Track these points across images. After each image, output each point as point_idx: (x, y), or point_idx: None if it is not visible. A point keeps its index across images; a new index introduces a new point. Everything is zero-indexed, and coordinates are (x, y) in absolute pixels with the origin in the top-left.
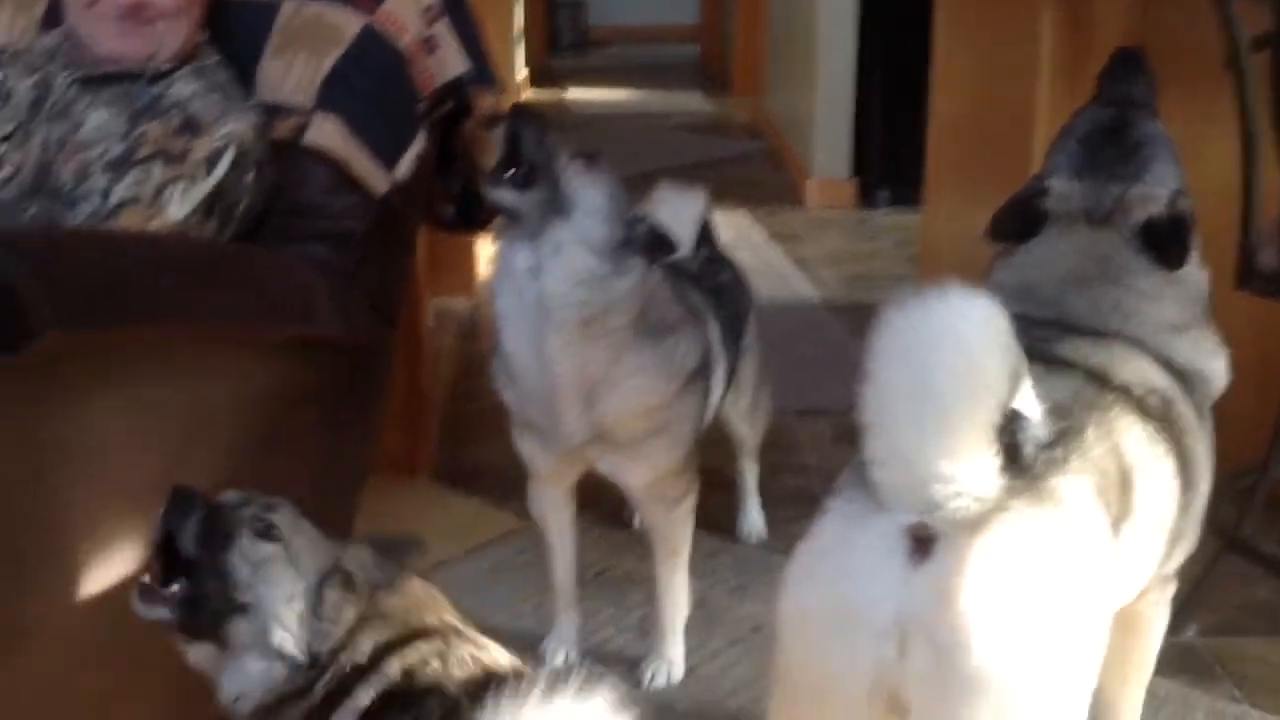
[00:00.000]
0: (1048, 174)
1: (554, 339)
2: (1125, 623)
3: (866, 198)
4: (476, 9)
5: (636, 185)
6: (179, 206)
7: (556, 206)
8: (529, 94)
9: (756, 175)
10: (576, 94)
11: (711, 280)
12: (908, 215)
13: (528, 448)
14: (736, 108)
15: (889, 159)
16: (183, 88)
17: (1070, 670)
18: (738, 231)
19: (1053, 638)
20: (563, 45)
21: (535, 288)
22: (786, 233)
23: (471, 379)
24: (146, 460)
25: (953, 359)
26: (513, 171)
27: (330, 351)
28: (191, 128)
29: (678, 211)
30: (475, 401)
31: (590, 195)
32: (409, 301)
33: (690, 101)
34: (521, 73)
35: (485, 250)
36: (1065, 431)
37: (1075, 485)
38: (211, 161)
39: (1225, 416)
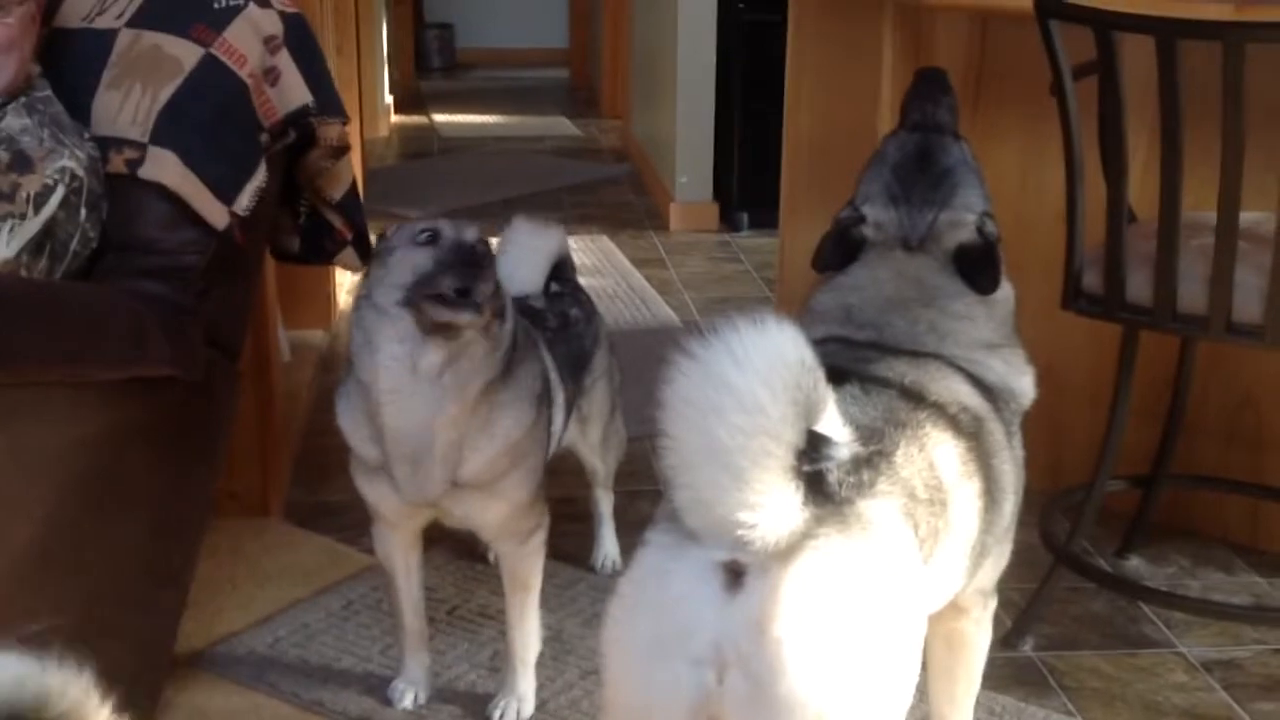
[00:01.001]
0: (862, 200)
1: (452, 411)
2: (950, 640)
3: (728, 221)
4: (342, 30)
5: (503, 211)
6: (6, 245)
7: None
8: (395, 119)
9: (622, 199)
10: (444, 118)
11: (556, 315)
12: (768, 238)
13: (374, 493)
14: (604, 132)
15: (748, 183)
16: (13, 123)
17: (884, 691)
18: (602, 256)
19: (864, 661)
20: (431, 68)
21: (444, 377)
22: (649, 257)
23: (328, 414)
24: None
25: (736, 420)
26: (486, 297)
27: (165, 389)
28: (21, 164)
29: (531, 247)
30: (331, 436)
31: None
32: (257, 335)
33: (559, 125)
34: (388, 96)
35: (343, 281)
36: (874, 454)
37: (882, 508)
38: (41, 199)
39: (1060, 433)
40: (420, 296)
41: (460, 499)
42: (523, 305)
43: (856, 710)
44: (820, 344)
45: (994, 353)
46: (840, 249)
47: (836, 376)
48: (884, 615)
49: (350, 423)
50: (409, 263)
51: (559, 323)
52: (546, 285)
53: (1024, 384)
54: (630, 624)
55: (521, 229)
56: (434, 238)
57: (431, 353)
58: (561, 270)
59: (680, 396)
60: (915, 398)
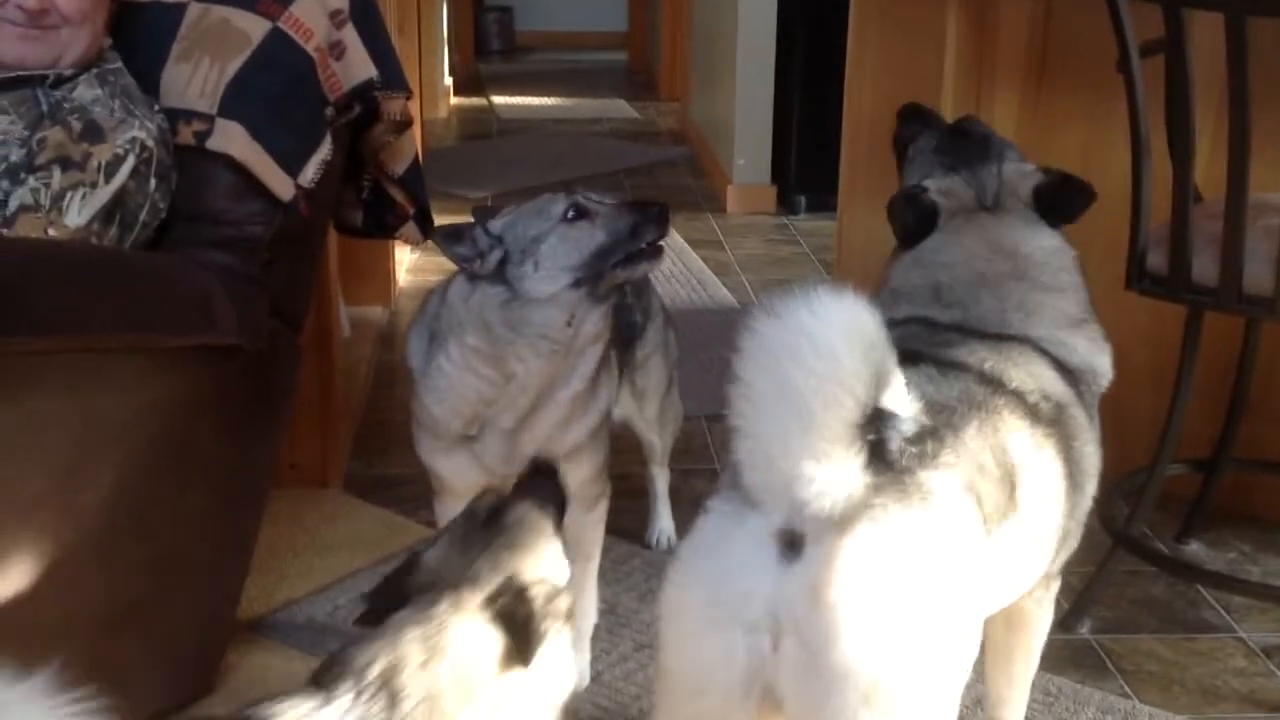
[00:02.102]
0: (916, 182)
1: (581, 384)
2: (1010, 619)
3: (785, 204)
4: (404, 12)
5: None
6: (78, 214)
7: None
8: (455, 100)
9: (680, 182)
10: (503, 100)
11: None
12: (826, 220)
13: (451, 466)
14: (663, 114)
15: (806, 165)
16: (85, 93)
17: (937, 664)
18: None
19: (918, 632)
20: (490, 50)
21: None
22: (707, 239)
23: (387, 389)
24: (35, 476)
25: (811, 363)
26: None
27: (229, 359)
28: (93, 134)
29: None
30: (391, 411)
31: None
32: (320, 309)
33: (617, 108)
34: (448, 77)
35: (402, 259)
36: (941, 427)
37: (944, 480)
38: (112, 168)
39: (1122, 415)
40: (608, 267)
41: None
42: None
43: (909, 682)
44: (902, 324)
45: (1079, 330)
46: (912, 211)
47: (912, 359)
48: (940, 587)
49: (446, 408)
50: (573, 243)
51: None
52: None
53: (1105, 363)
54: (688, 589)
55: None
56: (583, 210)
57: (598, 319)
58: None
59: (758, 343)
60: (994, 383)
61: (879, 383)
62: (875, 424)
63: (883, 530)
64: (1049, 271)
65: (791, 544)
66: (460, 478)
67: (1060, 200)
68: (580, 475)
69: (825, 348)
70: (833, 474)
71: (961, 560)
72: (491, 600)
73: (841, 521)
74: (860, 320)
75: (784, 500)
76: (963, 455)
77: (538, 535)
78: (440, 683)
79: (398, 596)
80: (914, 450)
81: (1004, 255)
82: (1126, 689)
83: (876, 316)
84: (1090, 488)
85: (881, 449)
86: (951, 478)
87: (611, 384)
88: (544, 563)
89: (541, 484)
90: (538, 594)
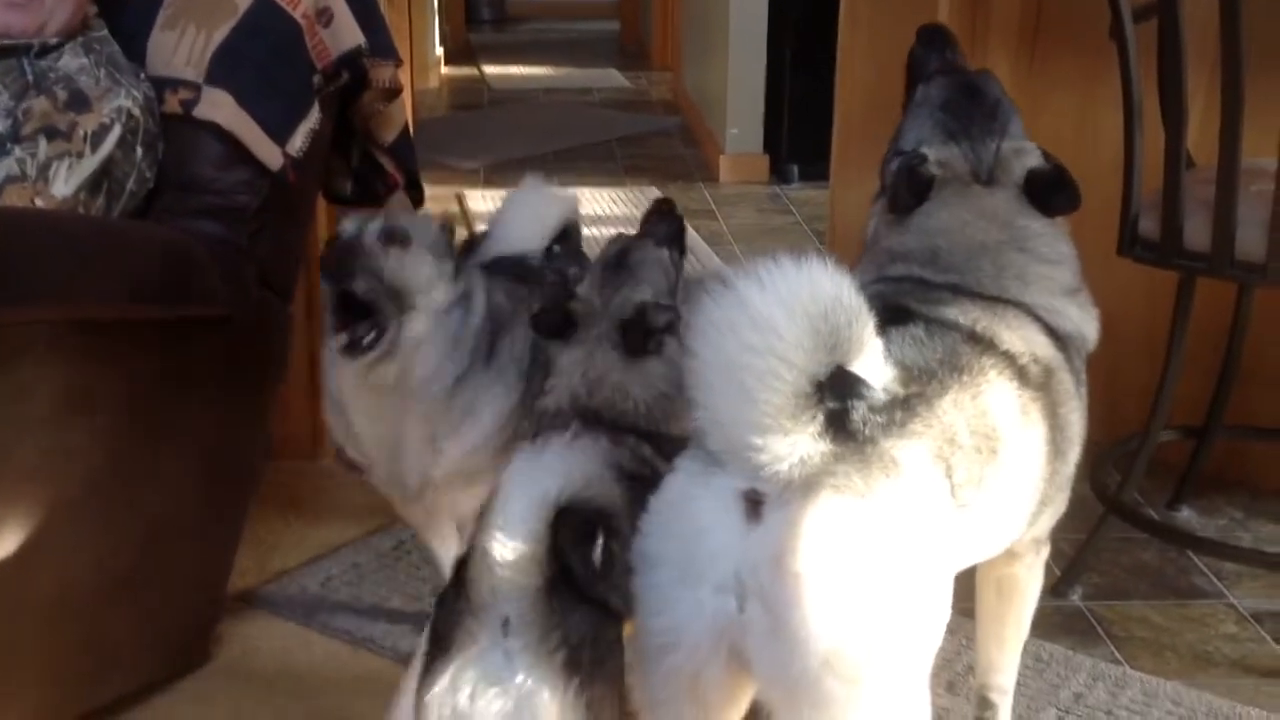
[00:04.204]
0: (913, 144)
1: (417, 413)
2: (1001, 586)
3: (778, 173)
4: None
5: (553, 163)
6: (65, 183)
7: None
8: (445, 71)
9: (673, 151)
10: (495, 70)
11: (553, 273)
12: (819, 190)
13: (370, 478)
14: (655, 84)
15: (799, 134)
16: (70, 62)
17: (901, 632)
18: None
19: (880, 602)
20: (481, 20)
21: (400, 386)
22: (699, 209)
23: None
24: (24, 448)
25: (747, 337)
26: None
27: (219, 329)
28: (78, 103)
29: (534, 209)
30: None
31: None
32: (309, 280)
33: (609, 78)
34: (438, 48)
35: None
36: (913, 396)
37: (909, 449)
38: (98, 137)
39: (1113, 382)
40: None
41: (443, 493)
42: (518, 263)
43: (872, 650)
44: (896, 281)
45: (1073, 298)
46: (913, 188)
47: (902, 316)
48: (903, 558)
49: (332, 420)
50: None
51: (556, 279)
52: (549, 249)
53: (1093, 328)
54: (656, 545)
55: (528, 189)
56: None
57: (361, 373)
58: (567, 237)
59: (705, 317)
60: (984, 344)
61: (839, 351)
62: (837, 390)
63: (842, 499)
64: (1047, 242)
65: (753, 506)
66: (382, 490)
67: (1049, 190)
68: (463, 508)
69: (762, 320)
70: (782, 443)
71: (925, 531)
72: (620, 325)
73: (802, 489)
74: (813, 289)
75: (740, 465)
76: (933, 424)
77: (653, 269)
78: None
79: (568, 321)
80: (880, 420)
81: (1000, 226)
82: (1117, 655)
83: (842, 284)
84: (1073, 454)
85: (843, 417)
86: (918, 448)
87: (502, 398)
88: (658, 290)
89: (658, 223)
90: (653, 315)
